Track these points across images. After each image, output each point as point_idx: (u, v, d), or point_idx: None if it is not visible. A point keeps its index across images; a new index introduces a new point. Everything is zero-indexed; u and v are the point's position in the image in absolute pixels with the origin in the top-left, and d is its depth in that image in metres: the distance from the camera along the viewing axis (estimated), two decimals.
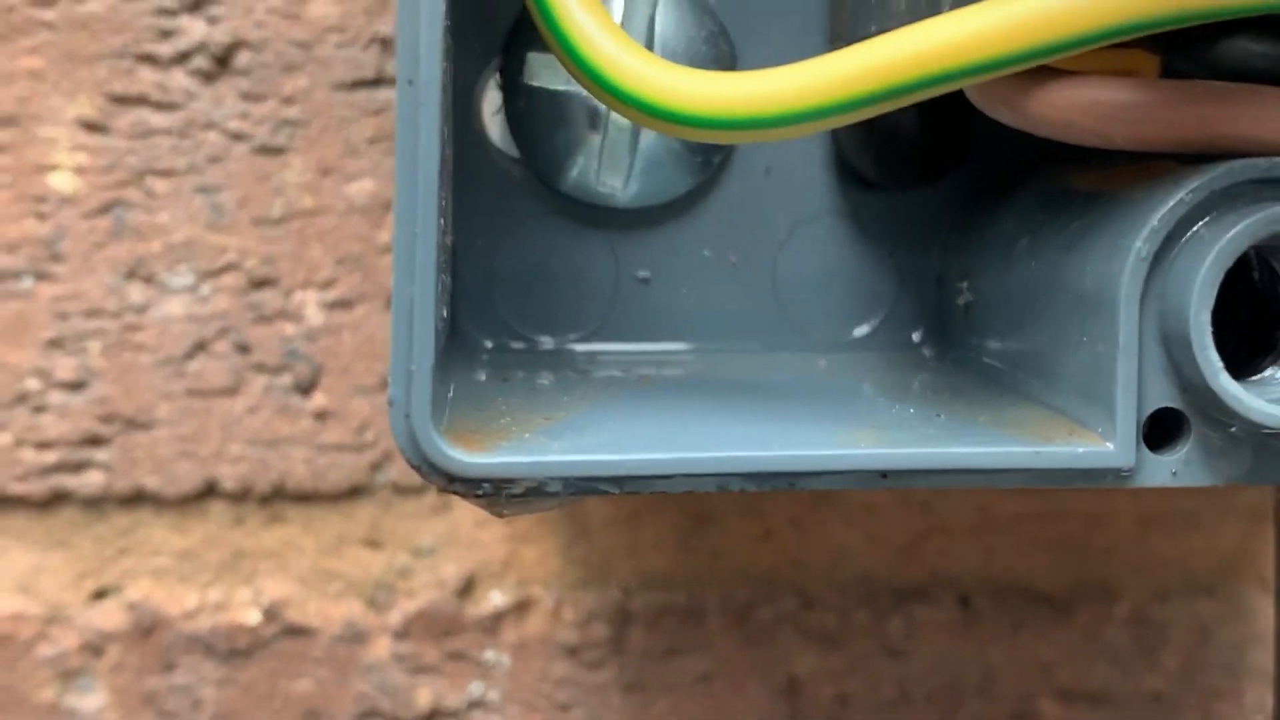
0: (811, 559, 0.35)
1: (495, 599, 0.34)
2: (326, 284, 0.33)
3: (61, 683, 0.33)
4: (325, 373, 0.33)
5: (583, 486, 0.18)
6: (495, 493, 0.18)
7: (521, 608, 0.34)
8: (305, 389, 0.33)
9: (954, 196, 0.26)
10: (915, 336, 0.26)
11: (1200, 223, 0.19)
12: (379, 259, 0.33)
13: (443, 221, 0.20)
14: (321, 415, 0.33)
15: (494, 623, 0.34)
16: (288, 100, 0.32)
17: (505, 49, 0.25)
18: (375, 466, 0.33)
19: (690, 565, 0.35)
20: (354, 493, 0.34)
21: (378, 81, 0.32)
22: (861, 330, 0.26)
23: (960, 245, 0.25)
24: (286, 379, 0.33)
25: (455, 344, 0.25)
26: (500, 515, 0.20)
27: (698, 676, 0.35)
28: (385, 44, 0.32)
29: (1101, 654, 0.36)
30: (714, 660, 0.35)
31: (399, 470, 0.34)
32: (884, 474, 0.19)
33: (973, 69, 0.19)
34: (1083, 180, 0.23)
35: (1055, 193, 0.23)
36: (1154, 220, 0.19)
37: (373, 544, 0.34)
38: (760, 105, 0.20)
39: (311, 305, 0.33)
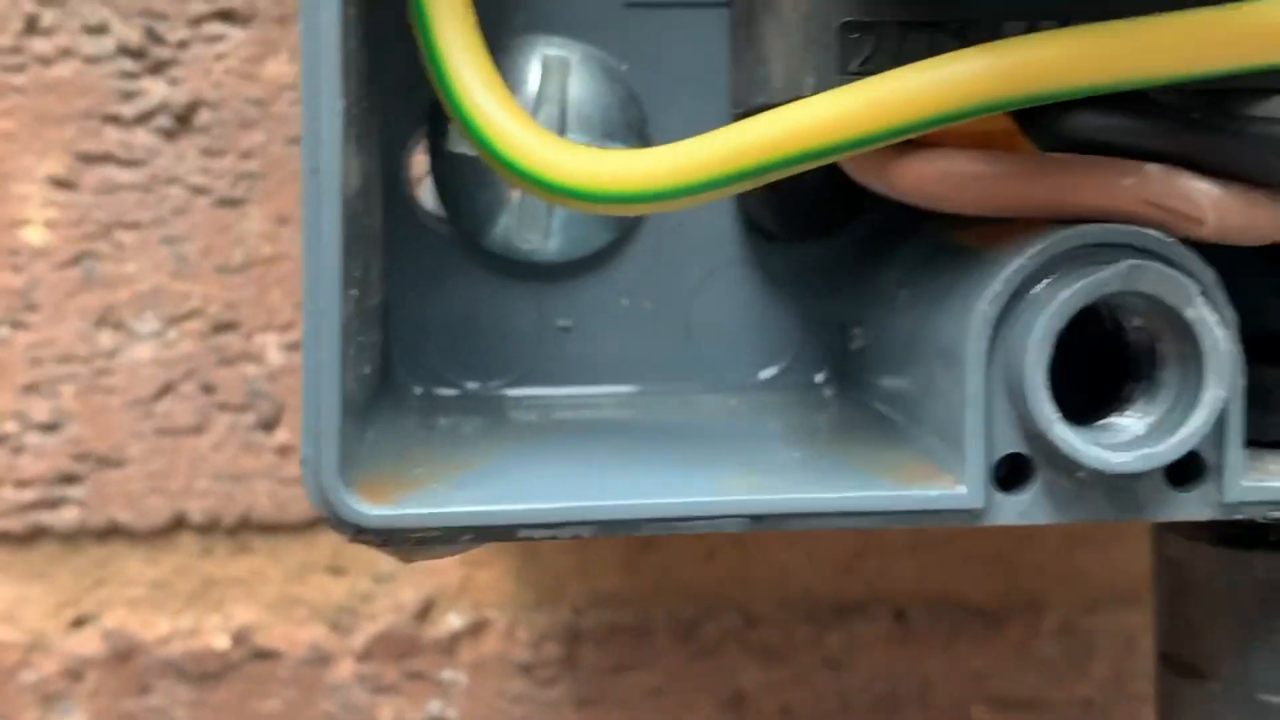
0: (754, 577, 0.37)
1: (452, 621, 0.36)
2: (286, 327, 0.35)
3: (43, 707, 0.35)
4: (287, 410, 0.35)
5: (477, 536, 0.20)
6: (399, 543, 0.20)
7: (477, 629, 0.36)
8: (268, 426, 0.35)
9: (852, 247, 0.28)
10: (819, 378, 0.28)
11: (1041, 284, 0.21)
12: None
13: (355, 292, 0.22)
14: (284, 450, 0.35)
15: (451, 644, 0.36)
16: (246, 155, 0.34)
17: (430, 117, 0.27)
18: None
19: (638, 585, 0.37)
20: (316, 523, 0.35)
21: None
22: (769, 372, 0.28)
23: (856, 293, 0.27)
24: (250, 417, 0.35)
25: (387, 390, 0.27)
26: (408, 561, 0.21)
27: (648, 691, 0.37)
28: None
29: (1032, 664, 0.38)
30: (663, 675, 0.37)
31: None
32: (756, 518, 0.21)
33: (832, 149, 0.21)
34: (961, 236, 0.24)
35: (935, 247, 0.25)
36: (997, 284, 0.21)
37: (335, 571, 0.36)
38: (640, 182, 0.21)
39: (272, 347, 0.35)
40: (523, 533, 0.20)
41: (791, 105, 0.21)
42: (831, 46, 0.21)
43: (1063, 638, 0.37)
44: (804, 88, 0.22)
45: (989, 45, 0.20)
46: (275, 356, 0.35)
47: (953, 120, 0.21)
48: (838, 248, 0.28)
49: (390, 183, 0.27)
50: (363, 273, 0.23)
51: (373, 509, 0.20)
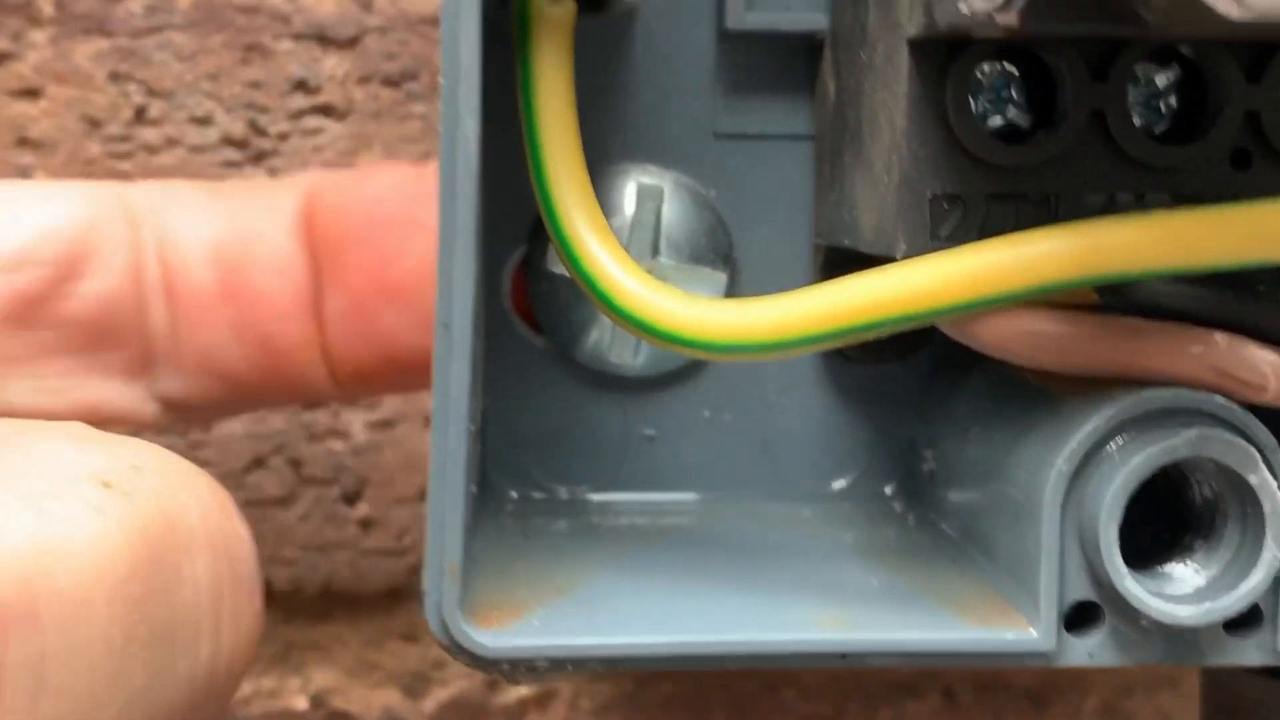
0: None
1: (520, 689, 0.38)
2: (371, 406, 0.36)
3: None
4: (369, 485, 0.37)
5: (579, 667, 0.22)
6: (511, 670, 0.22)
7: (544, 698, 0.38)
8: (351, 499, 0.37)
9: (923, 369, 0.29)
10: (888, 490, 0.30)
11: (1113, 443, 0.23)
12: None
13: (473, 427, 0.23)
14: (365, 523, 0.37)
15: (519, 710, 0.38)
16: None
17: (530, 237, 0.29)
18: (413, 570, 0.37)
19: None
20: (393, 592, 0.37)
21: None
22: (840, 483, 0.30)
23: (927, 415, 0.29)
24: (334, 490, 0.37)
25: (485, 494, 0.29)
26: (517, 684, 0.23)
27: None
28: None
29: None
30: None
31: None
32: (843, 655, 0.22)
33: (923, 315, 0.22)
34: (1033, 375, 0.26)
35: (1007, 382, 0.26)
36: (1073, 442, 0.22)
37: (409, 638, 0.37)
38: (739, 334, 0.23)
39: (358, 425, 0.36)
40: (623, 666, 0.22)
41: (885, 270, 0.23)
42: (923, 215, 0.23)
43: (1103, 719, 0.39)
44: (896, 250, 0.23)
45: (1072, 225, 0.22)
46: (360, 434, 0.36)
47: (1036, 294, 0.22)
48: (907, 370, 0.30)
49: (490, 295, 0.29)
50: (475, 404, 0.25)
51: (489, 640, 0.22)
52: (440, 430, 0.22)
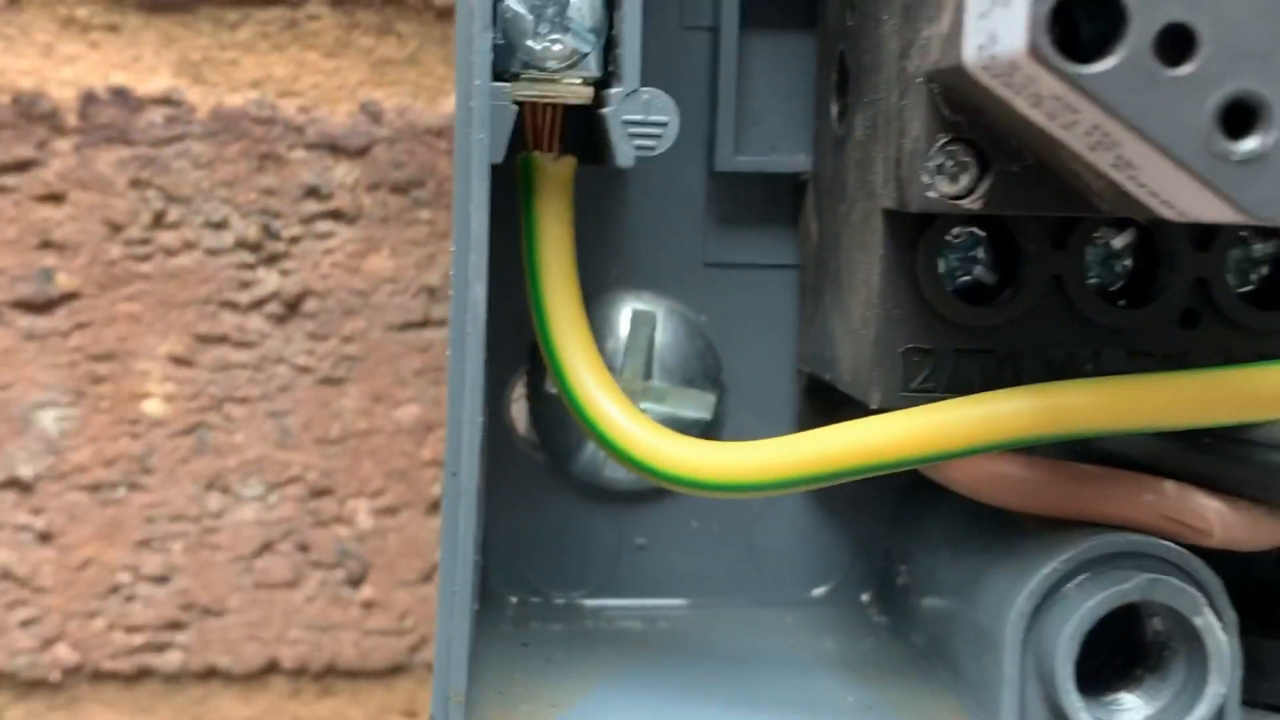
0: None
1: None
2: (376, 494, 0.38)
3: None
4: (373, 569, 0.38)
5: None
6: None
7: None
8: (355, 582, 0.38)
9: (899, 486, 0.31)
10: (865, 598, 0.32)
11: (1071, 583, 0.24)
12: (422, 472, 0.38)
13: (478, 558, 0.25)
14: (369, 605, 0.39)
15: None
16: (347, 339, 0.38)
17: (530, 357, 0.31)
18: (414, 648, 0.39)
19: None
20: (395, 670, 0.39)
21: (425, 323, 0.38)
22: (820, 590, 0.32)
23: (902, 530, 0.31)
24: (339, 574, 0.38)
25: (485, 601, 0.31)
26: None
27: None
28: (432, 292, 0.38)
29: None
30: None
31: (433, 652, 0.39)
32: None
33: (900, 463, 0.24)
34: None
35: (976, 509, 0.28)
36: (1033, 582, 0.24)
37: (410, 714, 0.39)
38: (730, 475, 0.25)
39: (363, 512, 0.38)
40: None
41: (863, 423, 0.24)
42: (896, 367, 0.25)
43: None
44: (871, 399, 0.25)
45: (1035, 388, 0.24)
46: (365, 520, 0.38)
47: (1003, 448, 0.24)
48: (885, 483, 0.31)
49: (491, 413, 0.31)
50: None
51: None
52: (448, 569, 0.24)
